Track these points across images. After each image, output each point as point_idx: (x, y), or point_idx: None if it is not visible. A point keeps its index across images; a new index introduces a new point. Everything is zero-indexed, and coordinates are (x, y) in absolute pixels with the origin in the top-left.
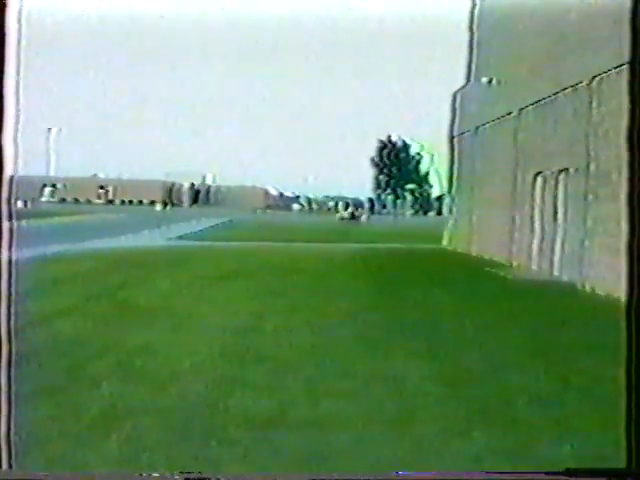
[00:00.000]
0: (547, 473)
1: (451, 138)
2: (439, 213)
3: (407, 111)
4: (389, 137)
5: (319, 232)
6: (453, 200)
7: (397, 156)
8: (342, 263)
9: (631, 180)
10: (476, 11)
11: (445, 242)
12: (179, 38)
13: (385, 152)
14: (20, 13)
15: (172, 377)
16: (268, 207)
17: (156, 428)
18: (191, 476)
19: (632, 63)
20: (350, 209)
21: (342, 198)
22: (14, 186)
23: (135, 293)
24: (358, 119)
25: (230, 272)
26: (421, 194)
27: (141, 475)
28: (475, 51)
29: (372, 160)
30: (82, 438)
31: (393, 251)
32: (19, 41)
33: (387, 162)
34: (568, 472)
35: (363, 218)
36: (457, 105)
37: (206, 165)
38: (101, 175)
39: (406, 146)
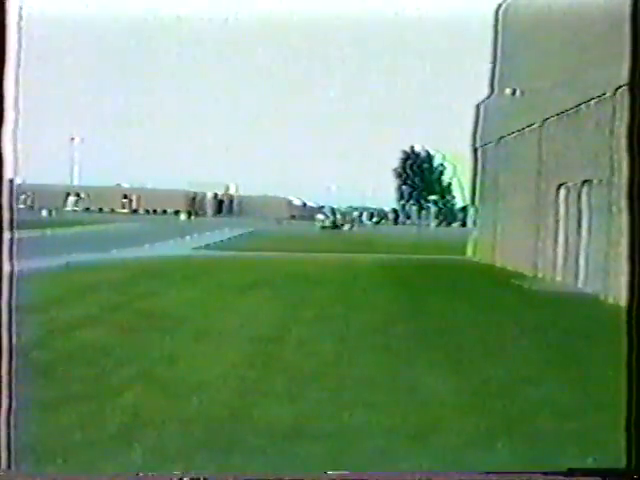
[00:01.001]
0: (547, 473)
1: (474, 149)
2: (463, 224)
3: (430, 121)
4: (412, 148)
5: (343, 242)
6: (477, 211)
7: (420, 167)
8: (366, 273)
9: (631, 185)
10: (500, 22)
11: (469, 253)
12: (194, 42)
13: (408, 163)
14: (20, 14)
15: (196, 386)
16: (292, 217)
17: (179, 437)
18: (191, 476)
19: (632, 63)
20: (331, 218)
21: (366, 208)
22: (37, 195)
23: (159, 302)
24: (380, 128)
25: (254, 282)
26: (444, 205)
27: (141, 475)
28: (499, 62)
29: (395, 171)
30: (106, 446)
31: (417, 262)
32: (31, 46)
33: (410, 173)
34: (568, 472)
35: (346, 227)
36: (480, 116)
37: (229, 175)
38: (124, 185)
39: (429, 157)
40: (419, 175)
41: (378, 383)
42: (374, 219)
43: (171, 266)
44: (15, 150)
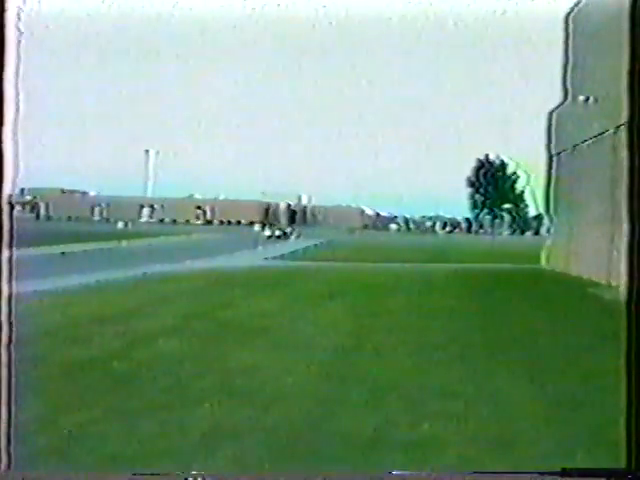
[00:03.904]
0: (544, 473)
1: (548, 157)
2: (536, 233)
3: (502, 129)
4: (487, 156)
5: (417, 252)
6: (551, 220)
7: (493, 175)
8: (441, 283)
9: (631, 183)
10: (570, 27)
11: (543, 262)
12: (227, 43)
13: (482, 171)
14: (19, 14)
15: (275, 396)
16: (365, 227)
17: (260, 447)
18: (191, 476)
19: (632, 64)
20: (270, 228)
21: (439, 218)
22: (112, 207)
23: (236, 312)
24: (452, 136)
25: (329, 292)
26: (518, 214)
27: (141, 475)
28: (570, 68)
29: (468, 179)
30: (187, 456)
31: (491, 271)
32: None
33: (484, 181)
34: (565, 472)
35: (292, 238)
36: (554, 123)
37: (302, 185)
38: (198, 196)
39: (503, 165)
40: (492, 184)
41: (456, 393)
42: (447, 228)
43: (246, 276)
44: (16, 150)
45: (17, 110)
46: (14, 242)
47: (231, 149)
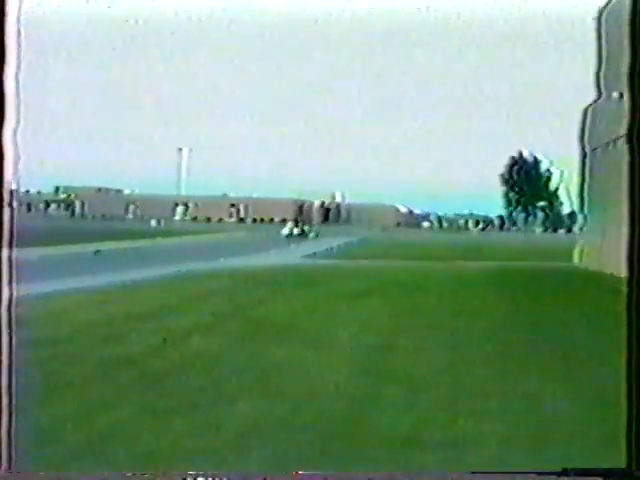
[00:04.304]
0: (545, 473)
1: (582, 154)
2: (569, 230)
3: (536, 125)
4: (521, 153)
5: (450, 250)
6: (585, 217)
7: (527, 173)
8: (474, 281)
9: (631, 181)
10: (603, 23)
11: (576, 260)
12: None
13: (515, 169)
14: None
15: (310, 395)
16: (398, 225)
17: (296, 446)
18: (191, 476)
19: (632, 64)
20: (294, 226)
21: (472, 216)
22: (146, 205)
23: (269, 310)
24: (486, 132)
25: (362, 290)
26: (551, 211)
27: (141, 475)
28: (604, 64)
29: (502, 177)
30: (222, 454)
31: (524, 269)
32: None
33: (517, 179)
34: (566, 472)
35: (311, 235)
36: (588, 120)
37: (335, 182)
38: (231, 194)
39: (536, 162)
40: (526, 181)
41: (491, 391)
42: (480, 226)
43: (280, 274)
44: (16, 150)
45: (17, 110)
46: (49, 240)
47: (266, 147)
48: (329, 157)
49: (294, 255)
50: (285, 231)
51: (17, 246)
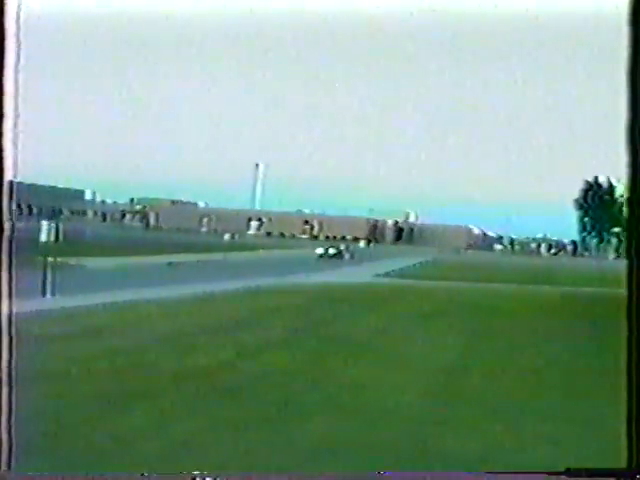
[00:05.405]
0: (547, 473)
1: None
2: None
3: (612, 149)
4: (596, 178)
5: (520, 273)
6: None
7: (602, 198)
8: (545, 305)
9: (632, 182)
10: None
11: None
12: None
13: (590, 194)
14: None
15: (382, 414)
16: (470, 246)
17: (363, 464)
18: (191, 476)
19: (633, 64)
20: (329, 246)
21: (545, 239)
22: (220, 219)
23: (342, 328)
24: (559, 157)
25: (433, 311)
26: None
27: (141, 476)
28: None
29: (576, 202)
30: (294, 469)
31: (595, 295)
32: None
33: (592, 204)
34: (568, 472)
35: (346, 257)
36: None
37: (410, 202)
38: (305, 210)
39: (611, 187)
40: (600, 207)
41: (560, 417)
42: (552, 250)
43: (352, 293)
44: (15, 150)
45: (16, 110)
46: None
47: (341, 164)
48: (404, 176)
49: (366, 274)
50: (319, 251)
51: (92, 255)
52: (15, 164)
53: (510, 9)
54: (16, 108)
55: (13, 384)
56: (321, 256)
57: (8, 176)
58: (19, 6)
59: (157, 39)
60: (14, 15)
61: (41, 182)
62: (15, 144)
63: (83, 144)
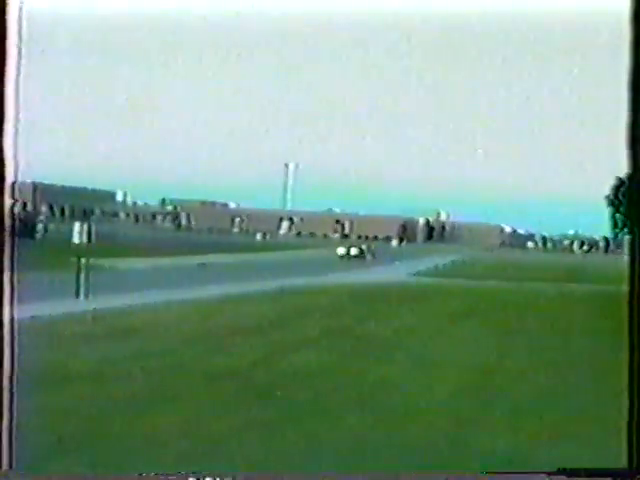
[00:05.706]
0: (547, 473)
1: None
2: None
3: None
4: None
5: (554, 271)
6: None
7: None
8: (577, 304)
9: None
10: None
11: None
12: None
13: (622, 190)
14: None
15: (413, 414)
16: (502, 244)
17: (398, 464)
18: (191, 476)
19: (633, 64)
20: (351, 246)
21: (577, 236)
22: (252, 219)
23: (374, 328)
24: (590, 152)
25: (465, 310)
26: None
27: (141, 476)
28: None
29: (607, 198)
30: (322, 469)
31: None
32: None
33: (624, 200)
34: (568, 472)
35: (369, 257)
36: None
37: (439, 202)
38: (337, 210)
39: None
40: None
41: (593, 417)
42: (584, 247)
43: (384, 292)
44: (15, 150)
45: (16, 111)
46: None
47: (372, 163)
48: (435, 174)
49: (398, 273)
50: (341, 251)
51: (124, 256)
52: (28, 165)
53: (510, 9)
54: (19, 111)
55: (14, 386)
56: (342, 257)
57: (30, 177)
58: (20, 7)
59: (175, 37)
60: (15, 15)
61: (73, 184)
62: (15, 145)
63: (110, 145)
